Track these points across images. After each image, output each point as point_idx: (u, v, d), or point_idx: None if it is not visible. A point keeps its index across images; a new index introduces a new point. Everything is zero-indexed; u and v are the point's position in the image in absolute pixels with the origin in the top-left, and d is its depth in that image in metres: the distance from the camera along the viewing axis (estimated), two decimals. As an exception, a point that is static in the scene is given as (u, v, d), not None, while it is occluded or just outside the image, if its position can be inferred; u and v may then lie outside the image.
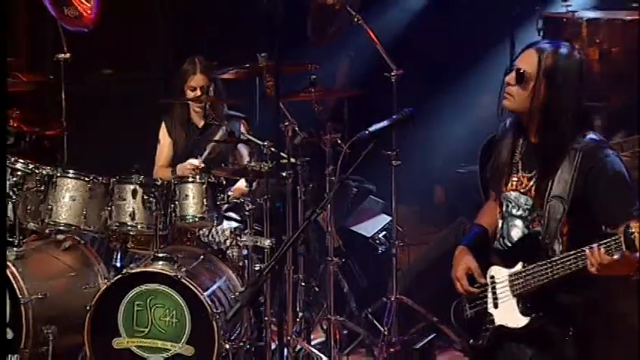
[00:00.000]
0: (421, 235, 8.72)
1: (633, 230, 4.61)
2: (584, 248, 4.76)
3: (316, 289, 7.92)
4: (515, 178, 5.17)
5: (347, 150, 5.13)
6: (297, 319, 7.66)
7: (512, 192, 5.15)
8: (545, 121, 5.05)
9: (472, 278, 5.23)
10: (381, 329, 7.71)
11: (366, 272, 8.30)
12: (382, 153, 7.77)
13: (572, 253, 4.84)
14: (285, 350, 7.26)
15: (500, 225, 5.24)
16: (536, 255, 5.00)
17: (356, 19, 8.05)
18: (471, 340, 5.30)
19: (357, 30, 8.36)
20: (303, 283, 7.69)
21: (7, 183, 7.50)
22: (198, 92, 7.79)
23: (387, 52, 8.01)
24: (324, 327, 7.78)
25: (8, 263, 7.28)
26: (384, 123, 5.08)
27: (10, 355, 7.20)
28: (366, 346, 7.78)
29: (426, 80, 9.34)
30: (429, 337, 7.63)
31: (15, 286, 7.12)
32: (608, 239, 4.70)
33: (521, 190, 5.13)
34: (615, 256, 4.69)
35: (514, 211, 5.16)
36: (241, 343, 7.21)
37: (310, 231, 7.93)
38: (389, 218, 8.29)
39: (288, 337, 7.29)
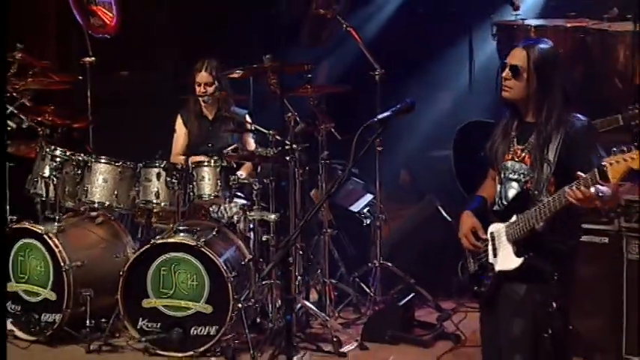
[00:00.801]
0: (397, 210, 8.72)
1: (605, 163, 4.84)
2: (564, 188, 4.97)
3: (311, 256, 7.99)
4: (511, 150, 5.36)
5: (357, 137, 5.05)
6: (297, 282, 7.78)
7: (509, 161, 5.34)
8: (540, 103, 5.26)
9: (476, 236, 5.41)
10: (367, 290, 7.92)
11: (354, 242, 8.28)
12: (367, 139, 8.12)
13: (556, 195, 5.06)
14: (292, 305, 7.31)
15: (498, 190, 5.41)
16: (528, 207, 5.21)
17: (345, 26, 8.21)
18: (475, 288, 5.48)
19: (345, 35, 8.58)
20: (301, 252, 7.76)
21: (48, 167, 7.55)
22: (203, 88, 7.85)
23: (373, 54, 8.17)
24: (318, 289, 7.90)
25: (51, 236, 7.33)
26: (389, 112, 5.28)
27: (52, 314, 7.30)
28: (354, 305, 7.83)
29: (397, 78, 9.11)
30: (410, 296, 7.70)
31: (58, 256, 7.24)
32: (585, 176, 4.90)
33: (516, 159, 5.32)
34: (592, 189, 4.92)
35: (511, 176, 5.34)
36: (250, 303, 7.33)
37: (307, 207, 7.87)
38: (372, 196, 8.40)
39: (294, 295, 7.43)
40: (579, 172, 5.00)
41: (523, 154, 5.35)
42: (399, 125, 9.09)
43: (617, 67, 8.69)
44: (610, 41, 8.76)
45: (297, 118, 7.63)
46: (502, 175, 5.41)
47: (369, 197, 8.35)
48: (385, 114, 5.22)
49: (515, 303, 5.33)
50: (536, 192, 5.26)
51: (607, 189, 4.95)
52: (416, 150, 9.56)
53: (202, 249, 7.10)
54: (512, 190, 5.35)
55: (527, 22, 9.40)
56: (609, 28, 8.81)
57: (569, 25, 8.98)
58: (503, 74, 5.29)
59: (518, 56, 5.28)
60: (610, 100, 8.49)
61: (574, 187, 4.95)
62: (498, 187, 5.42)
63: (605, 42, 8.78)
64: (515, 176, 5.35)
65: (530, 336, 5.29)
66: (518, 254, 5.24)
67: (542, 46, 5.36)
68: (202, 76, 7.81)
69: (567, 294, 5.35)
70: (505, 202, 5.37)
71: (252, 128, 7.87)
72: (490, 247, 5.37)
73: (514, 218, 5.24)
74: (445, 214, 8.46)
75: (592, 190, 4.93)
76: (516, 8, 9.61)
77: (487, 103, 9.41)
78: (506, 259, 5.29)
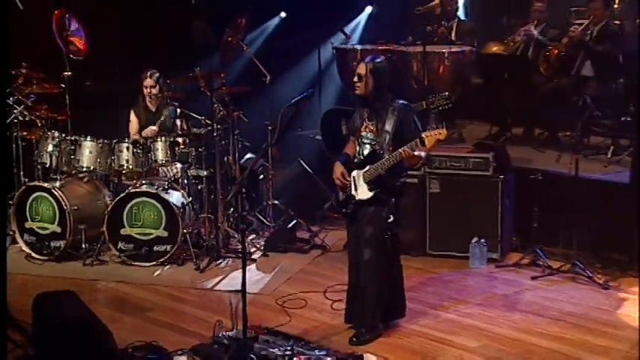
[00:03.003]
0: (280, 169, 8.63)
1: (423, 135, 5.41)
2: (399, 150, 5.52)
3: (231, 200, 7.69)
4: (364, 125, 5.78)
5: (281, 114, 5.38)
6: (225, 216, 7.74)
7: (363, 132, 5.78)
8: (377, 95, 5.68)
9: (344, 177, 5.78)
10: (264, 220, 8.12)
11: (254, 189, 8.27)
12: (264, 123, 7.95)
13: (393, 153, 5.57)
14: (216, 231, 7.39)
15: (357, 150, 5.81)
16: (376, 161, 5.66)
17: (245, 48, 8.38)
18: (344, 210, 5.91)
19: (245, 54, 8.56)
20: (221, 196, 7.61)
21: (50, 145, 7.51)
22: (149, 90, 7.68)
23: (263, 65, 8.20)
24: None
25: (56, 189, 7.30)
26: (298, 98, 5.70)
27: (58, 241, 7.37)
28: (255, 231, 7.93)
29: (278, 80, 8.85)
30: (292, 222, 7.88)
31: (61, 202, 7.30)
32: (411, 142, 5.47)
33: (368, 131, 5.77)
34: (415, 152, 5.52)
35: (365, 141, 5.77)
36: (191, 229, 7.41)
37: (225, 166, 7.88)
38: (262, 160, 8.16)
39: (219, 224, 7.47)
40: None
41: (372, 127, 5.76)
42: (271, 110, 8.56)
43: (413, 74, 8.79)
44: (407, 58, 8.85)
45: (220, 108, 7.70)
46: (359, 140, 5.81)
47: (262, 161, 8.19)
48: (296, 99, 5.70)
49: (367, 217, 5.77)
50: (381, 151, 5.70)
51: (424, 152, 5.59)
52: (288, 131, 9.03)
53: (160, 194, 7.24)
54: (366, 150, 5.77)
55: (355, 46, 9.50)
56: (406, 49, 9.00)
57: (380, 47, 9.03)
58: (354, 79, 5.71)
59: (361, 68, 5.71)
60: (411, 95, 8.11)
61: (405, 149, 5.52)
62: (357, 148, 5.82)
63: (405, 58, 8.86)
64: (368, 141, 5.77)
65: (376, 237, 5.74)
66: (370, 189, 5.73)
67: (376, 60, 5.75)
68: (148, 82, 7.70)
69: (398, 212, 5.80)
70: (362, 157, 5.79)
71: (190, 114, 7.72)
72: (352, 185, 5.81)
73: (367, 167, 5.71)
74: (309, 170, 8.54)
75: (416, 153, 5.52)
76: (348, 38, 9.73)
77: (330, 98, 9.64)
78: (363, 193, 5.76)
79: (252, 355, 5.32)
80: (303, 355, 5.39)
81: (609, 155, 8.00)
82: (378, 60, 5.78)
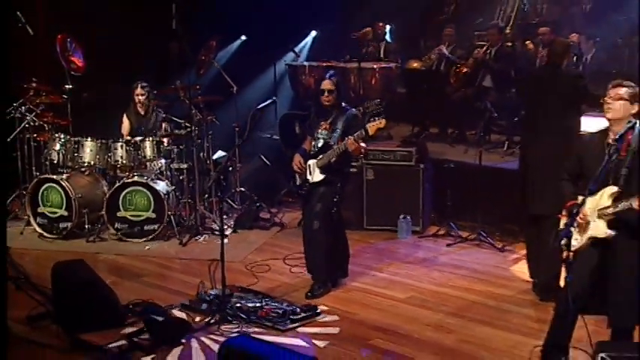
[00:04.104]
0: (245, 163, 8.42)
1: (367, 126, 5.45)
2: (346, 139, 5.55)
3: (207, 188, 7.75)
4: (321, 124, 5.85)
5: (250, 117, 5.46)
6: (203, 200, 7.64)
7: (319, 130, 5.83)
8: (338, 104, 5.78)
9: (301, 165, 5.84)
10: (232, 204, 8.03)
11: (225, 179, 8.10)
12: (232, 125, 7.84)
13: (341, 143, 5.60)
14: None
15: (313, 144, 5.86)
16: (327, 151, 5.72)
17: (216, 64, 8.33)
18: (300, 191, 5.99)
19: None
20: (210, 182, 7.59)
21: (58, 144, 7.38)
22: (139, 98, 7.53)
23: (230, 78, 8.14)
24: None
25: (63, 180, 7.21)
26: (264, 104, 5.88)
27: (66, 223, 7.30)
28: (226, 212, 7.60)
29: (243, 90, 8.84)
30: (256, 205, 7.81)
31: (68, 191, 7.24)
32: (357, 132, 5.52)
33: (323, 128, 5.84)
34: (361, 143, 5.60)
35: (319, 137, 5.83)
36: (178, 213, 7.45)
37: (201, 160, 7.76)
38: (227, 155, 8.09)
39: (197, 208, 7.45)
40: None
41: (326, 126, 5.83)
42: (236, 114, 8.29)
43: (350, 86, 8.79)
44: (346, 72, 8.82)
45: (198, 113, 7.57)
46: (315, 137, 5.86)
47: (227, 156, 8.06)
48: (262, 105, 5.85)
49: (318, 196, 5.82)
50: (332, 144, 5.75)
51: (365, 144, 5.70)
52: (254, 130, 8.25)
53: (149, 183, 7.20)
54: (320, 143, 5.83)
55: (303, 63, 9.60)
56: (345, 65, 9.09)
57: (324, 64, 9.12)
58: (324, 94, 5.72)
59: (328, 84, 5.74)
60: (350, 102, 7.91)
61: (351, 138, 5.55)
62: (313, 143, 5.87)
63: (344, 73, 8.75)
64: (321, 137, 5.83)
65: (324, 212, 5.78)
66: (322, 173, 5.79)
67: (336, 76, 5.87)
68: (138, 91, 7.56)
69: (343, 194, 5.90)
70: (316, 149, 5.84)
71: (171, 118, 7.68)
72: (308, 171, 5.86)
73: (321, 156, 5.76)
74: (268, 163, 8.51)
75: (362, 144, 5.61)
76: (298, 56, 9.81)
77: (285, 104, 9.45)
78: (316, 176, 5.82)
79: (230, 307, 5.46)
80: (268, 306, 5.52)
81: (505, 148, 8.08)
82: (337, 76, 5.85)
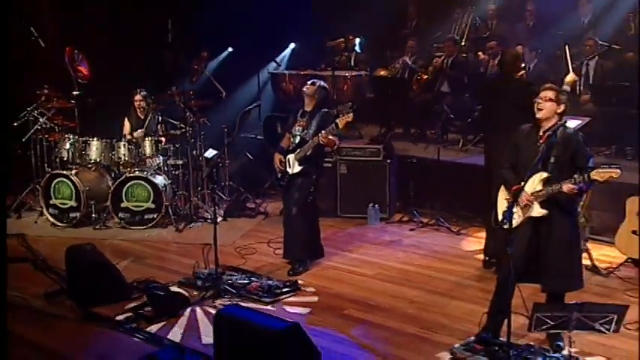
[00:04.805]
0: (232, 159, 8.33)
1: (337, 121, 5.49)
2: (318, 134, 5.59)
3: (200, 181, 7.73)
4: (297, 123, 5.90)
5: (239, 117, 5.65)
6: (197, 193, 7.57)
7: (296, 126, 5.87)
8: (316, 106, 5.76)
9: (281, 161, 5.86)
10: (222, 196, 7.96)
11: (216, 174, 8.05)
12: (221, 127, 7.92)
13: (315, 137, 5.63)
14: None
15: (292, 140, 5.88)
16: (303, 146, 5.74)
17: (207, 73, 8.56)
18: (281, 182, 6.02)
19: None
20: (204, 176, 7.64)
21: (68, 144, 7.34)
22: (138, 103, 7.51)
23: (220, 85, 8.26)
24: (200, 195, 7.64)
25: (73, 175, 7.20)
26: (250, 106, 5.88)
27: (75, 213, 7.31)
28: (217, 203, 7.06)
29: (230, 95, 8.76)
30: (243, 196, 7.73)
31: (77, 184, 7.27)
32: (329, 128, 5.57)
33: (299, 126, 5.88)
34: (331, 137, 5.62)
35: (297, 133, 5.86)
36: (175, 203, 7.42)
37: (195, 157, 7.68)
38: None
39: (191, 199, 7.44)
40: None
41: (303, 123, 5.86)
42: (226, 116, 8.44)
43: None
44: (323, 79, 8.82)
45: (192, 115, 7.58)
46: (294, 133, 5.87)
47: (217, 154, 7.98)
48: (249, 107, 5.86)
49: (296, 186, 5.86)
50: (308, 140, 5.75)
51: (338, 139, 5.82)
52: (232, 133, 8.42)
53: (148, 177, 7.22)
54: (297, 139, 5.86)
55: (284, 71, 9.51)
56: (320, 73, 8.69)
57: (302, 72, 9.07)
58: (307, 99, 5.79)
59: (311, 90, 5.82)
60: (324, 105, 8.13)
61: (324, 133, 5.59)
62: (291, 139, 5.89)
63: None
64: (299, 133, 5.85)
65: (301, 200, 5.85)
66: (299, 165, 5.80)
67: (319, 83, 5.90)
68: (137, 97, 7.55)
69: (318, 185, 5.97)
70: (294, 145, 5.85)
71: (166, 121, 7.66)
72: (287, 165, 5.88)
73: (298, 151, 5.79)
74: (251, 157, 8.45)
75: (332, 137, 5.62)
76: (279, 65, 9.71)
77: (268, 108, 9.25)
78: (295, 168, 5.85)
79: (223, 283, 5.58)
80: (255, 283, 5.66)
81: (460, 146, 8.13)
82: (320, 82, 5.89)
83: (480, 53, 8.80)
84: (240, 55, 9.60)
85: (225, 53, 9.61)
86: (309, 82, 5.89)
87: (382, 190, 7.46)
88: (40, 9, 8.50)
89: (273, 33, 9.48)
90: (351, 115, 5.52)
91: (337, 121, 5.57)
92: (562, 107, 4.35)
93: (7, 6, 6.57)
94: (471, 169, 7.19)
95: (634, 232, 5.66)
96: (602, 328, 3.76)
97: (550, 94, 4.33)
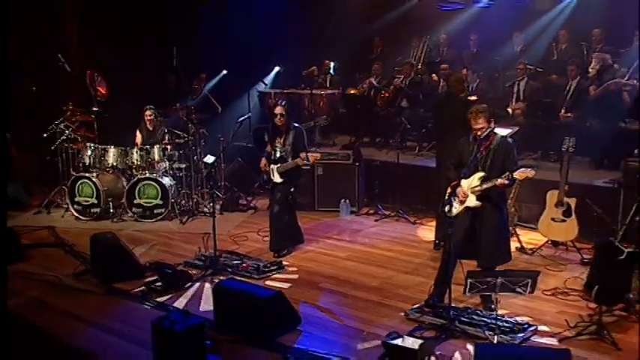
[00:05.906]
0: (228, 164, 8.03)
1: (309, 157, 5.61)
2: (298, 157, 5.65)
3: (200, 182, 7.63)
4: (277, 139, 5.91)
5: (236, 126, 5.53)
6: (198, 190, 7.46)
7: (277, 143, 5.91)
8: (289, 124, 5.80)
9: (266, 168, 5.89)
10: (219, 194, 7.72)
11: (214, 176, 7.84)
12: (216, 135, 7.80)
13: (293, 161, 5.71)
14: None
15: (272, 153, 5.95)
16: (283, 161, 5.85)
17: (205, 91, 8.38)
18: (267, 186, 6.10)
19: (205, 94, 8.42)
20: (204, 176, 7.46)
21: (89, 151, 7.30)
22: (148, 117, 7.52)
23: (216, 101, 8.16)
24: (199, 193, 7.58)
25: (94, 177, 7.19)
26: (242, 118, 5.92)
27: (96, 208, 7.32)
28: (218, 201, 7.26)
29: (225, 110, 8.59)
30: (236, 194, 7.76)
31: (97, 185, 7.31)
32: (304, 155, 5.58)
33: (278, 143, 5.92)
34: (311, 154, 5.69)
35: (277, 148, 5.92)
36: (179, 200, 7.40)
37: (197, 162, 7.59)
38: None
39: (193, 197, 7.47)
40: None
41: (280, 141, 5.88)
42: (221, 126, 8.38)
43: (305, 106, 8.64)
44: (302, 97, 8.79)
45: (192, 126, 7.56)
46: (275, 148, 5.92)
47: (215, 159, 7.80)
48: (242, 118, 5.98)
49: (279, 189, 5.93)
50: (285, 156, 5.85)
51: (318, 154, 5.84)
52: (227, 142, 8.19)
53: (157, 179, 7.24)
54: (277, 154, 5.91)
55: (270, 90, 9.44)
56: (301, 92, 8.91)
57: (286, 91, 9.06)
58: (277, 118, 5.78)
59: (280, 109, 5.80)
60: (304, 118, 8.26)
61: (297, 160, 5.70)
62: (273, 152, 5.86)
63: (300, 97, 8.77)
64: (279, 149, 5.89)
65: (283, 199, 5.89)
66: (280, 177, 5.90)
67: (284, 102, 5.93)
68: (147, 113, 7.57)
69: (297, 185, 6.03)
70: (275, 157, 5.91)
71: (173, 131, 7.59)
72: (272, 173, 5.95)
73: (279, 165, 5.86)
74: (243, 162, 8.29)
75: (311, 154, 5.70)
76: (265, 85, 9.34)
77: (256, 121, 9.03)
78: (277, 178, 5.92)
79: (220, 264, 5.75)
80: (247, 263, 5.81)
81: (416, 151, 8.22)
82: (286, 103, 5.95)
83: (433, 75, 8.93)
84: (233, 76, 9.57)
85: (220, 75, 9.60)
86: (279, 103, 5.93)
87: (352, 188, 7.51)
88: (66, 40, 8.63)
89: (261, 58, 9.48)
90: (318, 155, 5.67)
91: (309, 156, 5.65)
92: (493, 122, 4.66)
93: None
94: (424, 171, 7.34)
95: (553, 219, 5.89)
96: (520, 290, 4.08)
97: (482, 118, 4.60)
